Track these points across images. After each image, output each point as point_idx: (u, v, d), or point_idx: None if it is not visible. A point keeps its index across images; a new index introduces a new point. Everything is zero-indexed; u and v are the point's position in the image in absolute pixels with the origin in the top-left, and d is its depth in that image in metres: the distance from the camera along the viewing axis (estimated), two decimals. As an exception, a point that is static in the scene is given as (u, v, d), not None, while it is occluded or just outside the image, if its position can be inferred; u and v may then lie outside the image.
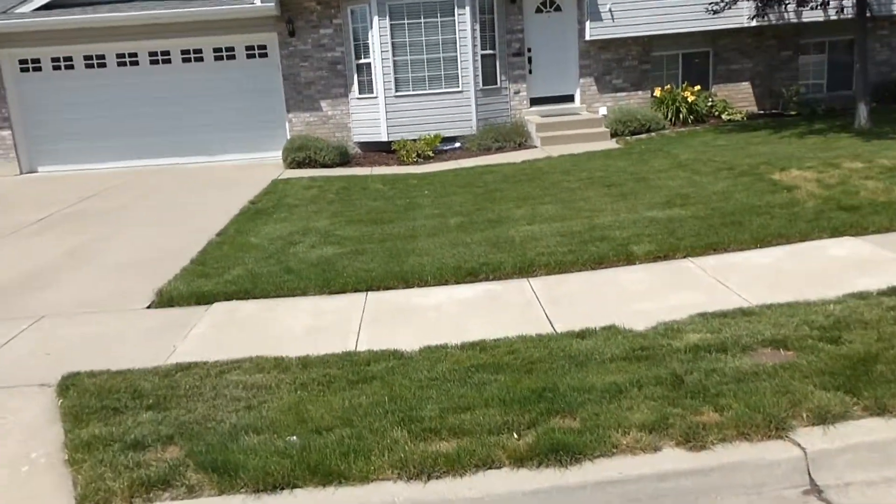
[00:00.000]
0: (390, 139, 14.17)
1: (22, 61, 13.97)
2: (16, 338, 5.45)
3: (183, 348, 5.11)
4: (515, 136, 13.97)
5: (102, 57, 14.05)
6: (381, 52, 13.83)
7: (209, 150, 14.46)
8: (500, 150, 13.70)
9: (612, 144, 13.13)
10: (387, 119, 14.12)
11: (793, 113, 14.61)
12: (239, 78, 14.33)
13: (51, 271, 7.21)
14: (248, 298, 6.08)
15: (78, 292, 6.53)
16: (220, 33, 13.92)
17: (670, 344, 4.50)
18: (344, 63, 14.33)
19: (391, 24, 13.73)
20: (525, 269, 6.32)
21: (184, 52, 14.15)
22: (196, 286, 6.28)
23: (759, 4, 12.71)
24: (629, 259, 6.40)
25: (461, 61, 14.04)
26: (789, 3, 13.06)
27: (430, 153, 13.55)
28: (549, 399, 3.90)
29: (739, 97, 15.45)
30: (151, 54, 14.10)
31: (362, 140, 14.47)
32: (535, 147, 13.68)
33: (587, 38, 14.45)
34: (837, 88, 15.66)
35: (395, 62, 13.94)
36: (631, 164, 10.61)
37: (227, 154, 14.52)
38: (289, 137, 14.30)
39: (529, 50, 14.83)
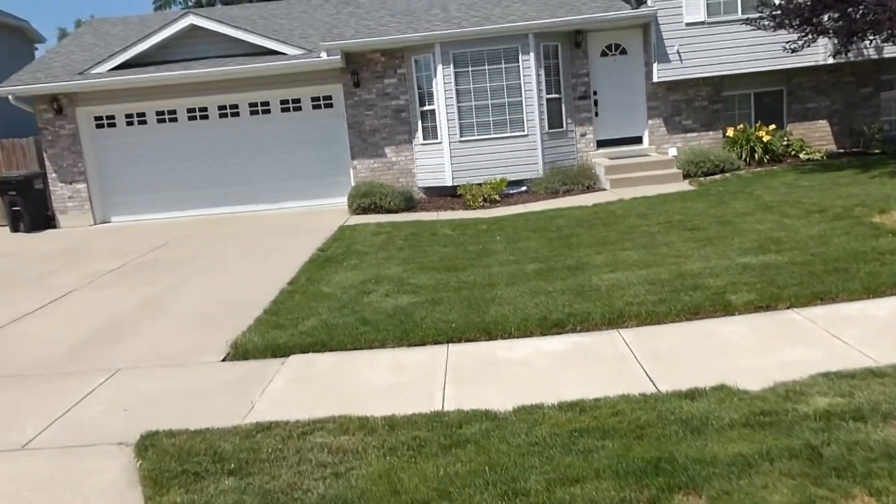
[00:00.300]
0: (455, 184, 14.04)
1: (97, 118, 14.45)
2: (93, 393, 5.33)
3: (261, 405, 4.87)
4: (583, 179, 13.64)
5: (174, 112, 14.42)
6: (446, 98, 13.80)
7: (275, 197, 14.58)
8: (567, 192, 13.38)
9: (685, 186, 12.66)
10: (451, 164, 14.01)
11: (877, 151, 13.90)
12: (304, 128, 14.49)
13: (126, 322, 7.16)
14: (325, 351, 5.84)
15: (153, 344, 6.43)
16: (288, 86, 14.14)
17: (795, 409, 4.03)
18: (408, 110, 14.35)
19: (455, 72, 13.72)
20: (614, 320, 5.93)
21: (251, 104, 14.41)
22: (271, 338, 6.09)
23: (840, 42, 12.21)
24: (727, 309, 5.94)
25: (526, 105, 13.89)
26: (872, 40, 12.51)
27: (497, 197, 13.33)
28: (667, 471, 3.49)
29: (816, 136, 14.81)
30: (220, 108, 14.41)
31: (426, 185, 14.38)
32: (605, 189, 13.31)
33: (655, 79, 14.14)
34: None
35: (459, 108, 13.88)
36: (711, 206, 10.13)
37: (293, 201, 14.61)
38: (353, 184, 14.32)
39: (595, 93, 14.60)
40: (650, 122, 14.68)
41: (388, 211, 13.13)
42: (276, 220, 13.18)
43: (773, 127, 14.33)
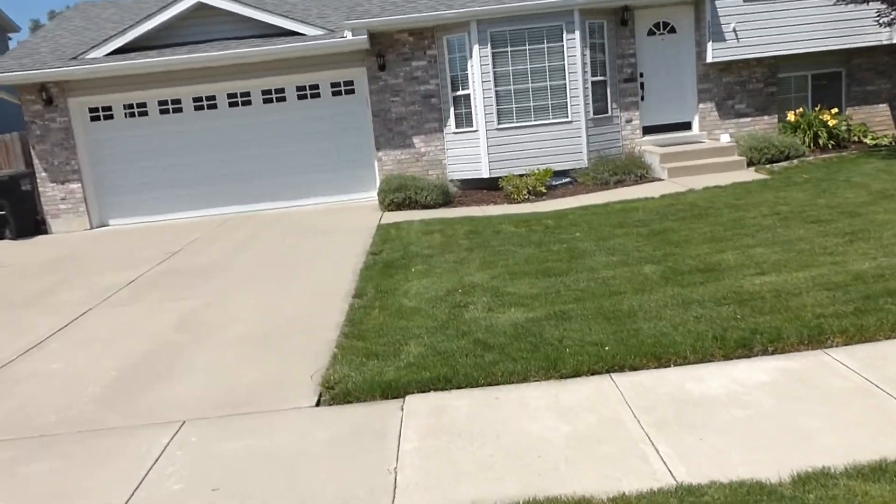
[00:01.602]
0: (492, 175, 12.71)
1: (92, 109, 12.82)
2: (161, 458, 3.91)
3: (405, 477, 3.51)
4: (634, 168, 12.39)
5: (178, 101, 12.86)
6: (483, 82, 12.45)
7: (292, 194, 13.12)
8: (619, 183, 12.12)
9: (754, 174, 11.47)
10: (488, 153, 12.68)
11: (949, 134, 12.86)
12: (323, 116, 13.04)
13: (167, 351, 5.72)
14: (449, 388, 4.49)
15: (211, 381, 5.01)
16: (305, 71, 12.68)
17: None
18: (438, 96, 12.97)
19: (493, 53, 12.38)
20: (814, 338, 4.65)
21: (265, 92, 12.91)
22: (372, 373, 4.71)
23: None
24: (952, 320, 4.71)
25: (570, 89, 12.60)
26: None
27: (543, 189, 12.03)
28: None
29: (877, 120, 13.73)
30: (230, 96, 12.89)
31: (460, 177, 13.00)
32: (662, 179, 12.07)
33: (709, 59, 12.91)
34: None
35: (496, 93, 12.54)
36: (813, 196, 8.93)
37: (312, 198, 13.16)
38: (378, 177, 12.93)
39: (641, 75, 13.35)
40: (701, 106, 13.48)
41: (425, 206, 11.76)
42: (299, 219, 11.72)
43: (835, 111, 13.22)
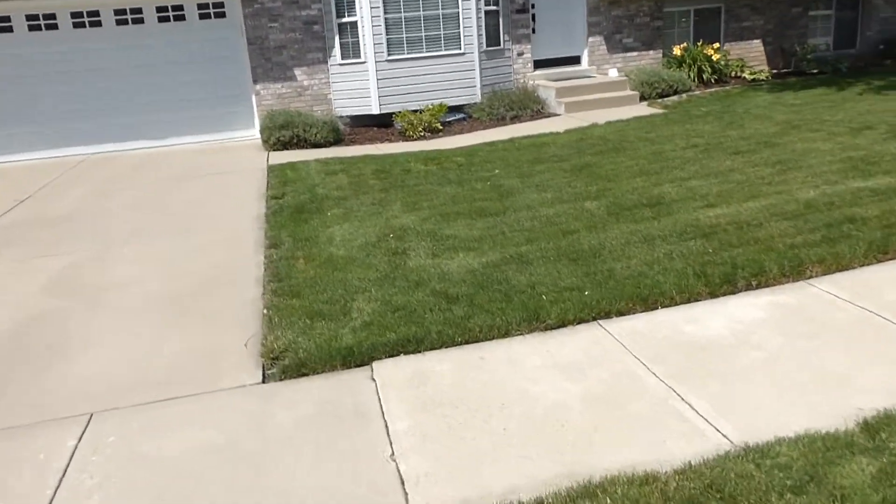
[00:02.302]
0: (383, 111, 11.84)
1: None
2: (70, 470, 2.95)
3: (411, 466, 2.84)
4: (531, 104, 11.99)
5: (7, 19, 10.74)
6: (371, 8, 11.41)
7: (161, 132, 11.51)
8: (516, 119, 11.69)
9: (650, 109, 11.44)
10: (378, 88, 11.76)
11: (815, 71, 13.52)
12: (190, 43, 11.44)
13: (51, 322, 4.57)
14: (422, 350, 3.82)
15: (119, 357, 4.01)
16: (164, -13, 11.01)
17: None
18: (322, 23, 11.76)
19: (381, -27, 11.34)
20: (794, 269, 4.44)
21: (118, 12, 11.07)
22: (325, 338, 3.93)
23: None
24: (914, 247, 4.66)
25: (464, 19, 11.87)
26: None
27: (438, 126, 11.35)
28: None
29: (751, 56, 14.21)
30: (75, 15, 10.93)
31: (348, 113, 11.98)
32: (558, 115, 11.76)
33: (598, -10, 12.63)
34: (843, 47, 14.82)
35: (386, 21, 11.57)
36: (720, 128, 8.93)
37: (183, 136, 11.63)
38: (257, 113, 11.65)
39: (533, 6, 12.85)
40: (591, 40, 13.25)
41: (315, 145, 10.70)
42: (174, 160, 10.26)
43: (717, 45, 13.50)
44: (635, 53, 13.50)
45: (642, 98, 12.14)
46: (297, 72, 11.85)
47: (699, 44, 13.48)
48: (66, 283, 5.26)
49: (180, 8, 11.29)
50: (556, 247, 5.11)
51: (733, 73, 13.52)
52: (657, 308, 4.14)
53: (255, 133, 11.59)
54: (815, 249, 4.62)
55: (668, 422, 2.99)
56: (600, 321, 4.03)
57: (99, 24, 11.05)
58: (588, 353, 3.67)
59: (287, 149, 10.56)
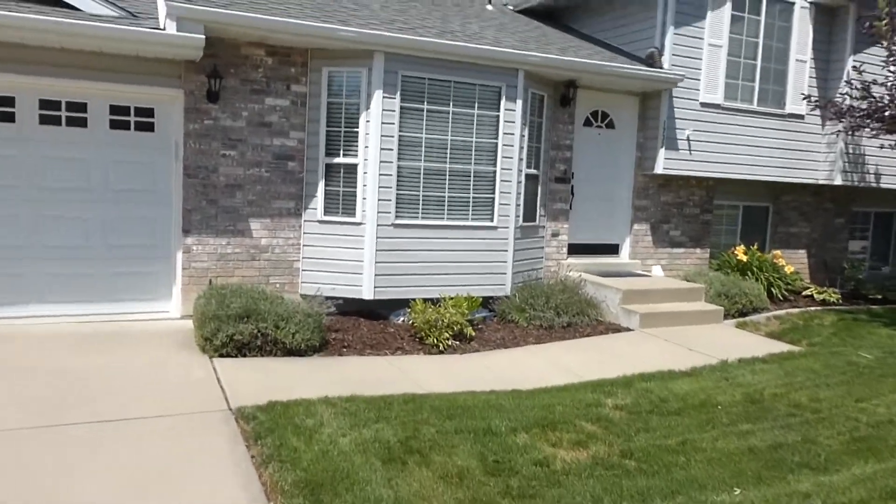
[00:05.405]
0: (377, 297, 7.92)
1: None
2: None
3: None
4: (586, 308, 8.54)
5: None
6: (382, 149, 7.82)
7: (9, 296, 6.85)
8: (569, 328, 8.16)
9: (753, 336, 8.36)
10: (376, 263, 7.92)
11: (878, 297, 11.25)
12: (87, 160, 7.17)
13: None
14: None
15: None
16: (63, 74, 6.84)
17: None
18: (302, 160, 7.95)
19: (402, 107, 7.88)
20: None
21: (-21, 96, 6.74)
22: None
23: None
24: None
25: (501, 181, 8.54)
26: None
27: (471, 332, 7.53)
28: None
29: (796, 267, 11.82)
30: None
31: (324, 293, 7.83)
32: (631, 330, 8.33)
33: (658, 170, 9.85)
34: (877, 264, 12.98)
35: (399, 170, 7.98)
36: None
37: (46, 304, 7.02)
38: (181, 279, 7.36)
39: (572, 175, 9.82)
40: (635, 227, 10.30)
41: (291, 352, 6.44)
42: (27, 360, 5.57)
43: (778, 252, 11.00)
44: (682, 250, 10.66)
45: (727, 315, 9.06)
46: (255, 224, 7.79)
47: (754, 247, 10.90)
48: None
49: (81, 108, 7.12)
50: None
51: (800, 291, 10.92)
52: None
53: (171, 310, 7.32)
54: None
55: None
56: None
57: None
58: None
59: (243, 355, 6.28)
